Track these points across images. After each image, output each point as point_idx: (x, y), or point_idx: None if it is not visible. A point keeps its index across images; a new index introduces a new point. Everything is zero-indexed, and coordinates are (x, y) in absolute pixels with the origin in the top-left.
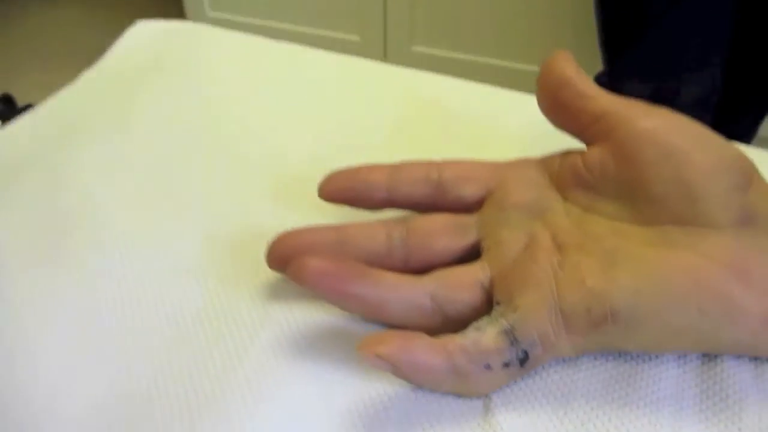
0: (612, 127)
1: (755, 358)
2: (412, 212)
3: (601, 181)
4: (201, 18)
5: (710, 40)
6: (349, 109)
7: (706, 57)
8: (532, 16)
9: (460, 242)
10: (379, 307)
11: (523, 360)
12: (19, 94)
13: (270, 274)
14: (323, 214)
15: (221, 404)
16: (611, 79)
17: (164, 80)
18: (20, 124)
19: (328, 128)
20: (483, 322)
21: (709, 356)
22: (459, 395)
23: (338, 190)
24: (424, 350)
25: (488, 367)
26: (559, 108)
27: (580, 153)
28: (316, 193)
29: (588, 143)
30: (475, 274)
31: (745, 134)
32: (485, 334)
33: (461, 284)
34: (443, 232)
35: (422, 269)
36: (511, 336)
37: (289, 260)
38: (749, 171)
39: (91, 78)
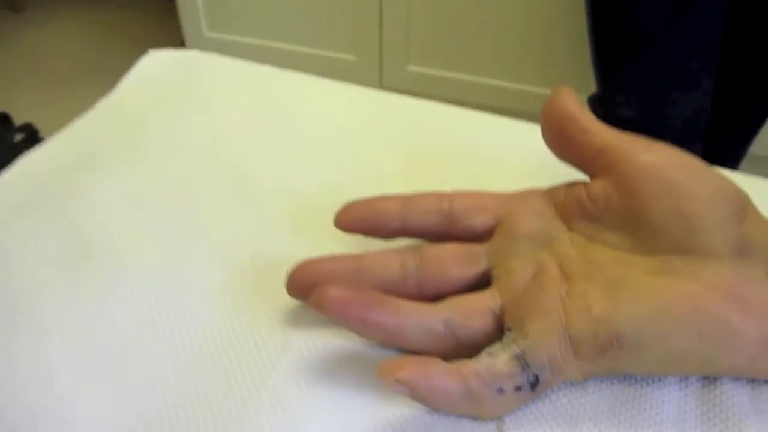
0: (614, 161)
1: (753, 380)
2: (423, 241)
3: (605, 212)
4: (198, 37)
5: (702, 61)
6: (359, 139)
7: (698, 78)
8: (527, 37)
9: (471, 271)
10: (397, 333)
11: (534, 384)
12: (16, 112)
13: (290, 302)
14: (338, 243)
15: (245, 429)
16: (603, 100)
17: (178, 110)
18: (40, 153)
19: (340, 158)
20: (495, 347)
21: (709, 379)
22: (473, 418)
23: (355, 220)
24: (441, 375)
25: (501, 390)
26: (563, 142)
27: (584, 185)
28: (330, 222)
29: (591, 176)
30: (486, 302)
31: (734, 156)
32: (498, 360)
33: (473, 311)
34: (455, 261)
35: (435, 297)
36: (522, 361)
37: (309, 288)
38: (744, 202)
39: (106, 107)
